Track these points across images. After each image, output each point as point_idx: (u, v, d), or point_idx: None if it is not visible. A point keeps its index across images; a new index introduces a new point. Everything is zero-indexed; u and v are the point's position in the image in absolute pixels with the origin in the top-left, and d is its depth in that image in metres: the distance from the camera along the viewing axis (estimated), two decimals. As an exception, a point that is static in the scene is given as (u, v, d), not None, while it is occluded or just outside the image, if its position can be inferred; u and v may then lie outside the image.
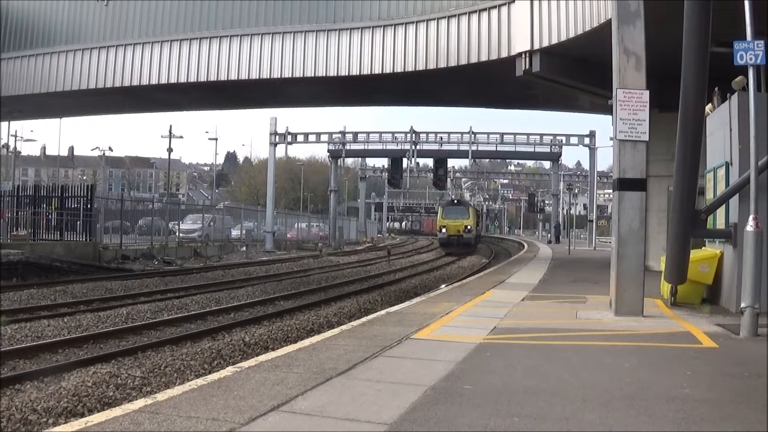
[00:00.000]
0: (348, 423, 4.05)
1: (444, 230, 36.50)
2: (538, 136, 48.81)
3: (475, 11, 22.72)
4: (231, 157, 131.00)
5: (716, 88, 10.48)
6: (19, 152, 57.80)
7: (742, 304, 7.37)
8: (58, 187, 27.19)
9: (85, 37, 28.75)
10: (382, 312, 9.65)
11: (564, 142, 47.90)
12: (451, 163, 60.29)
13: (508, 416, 4.19)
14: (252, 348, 9.06)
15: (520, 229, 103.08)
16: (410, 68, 24.02)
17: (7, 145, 51.93)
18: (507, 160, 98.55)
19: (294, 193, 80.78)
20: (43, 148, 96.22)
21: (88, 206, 23.22)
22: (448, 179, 61.07)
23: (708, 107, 10.38)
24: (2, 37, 29.73)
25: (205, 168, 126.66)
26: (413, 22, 23.97)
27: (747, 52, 7.63)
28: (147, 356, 8.65)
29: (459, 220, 36.49)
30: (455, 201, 41.67)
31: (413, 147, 44.49)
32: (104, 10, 28.51)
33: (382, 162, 59.20)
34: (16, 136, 52.55)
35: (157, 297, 14.73)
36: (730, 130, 9.51)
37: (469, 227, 36.38)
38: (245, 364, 5.79)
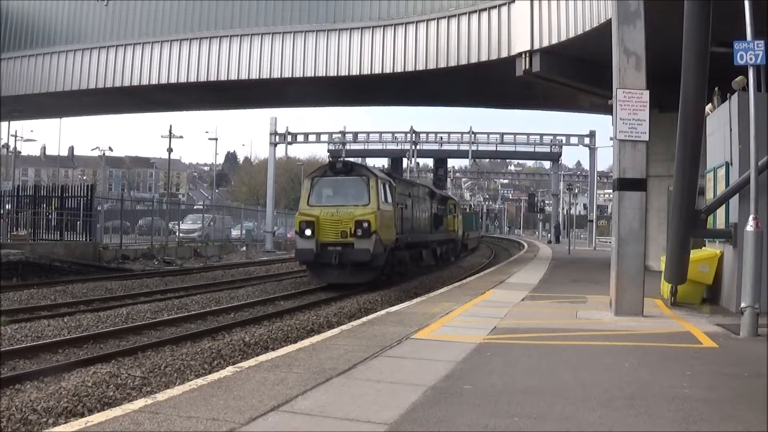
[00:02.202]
0: (348, 423, 4.05)
1: (308, 232, 16.23)
2: (538, 136, 49.09)
3: (475, 11, 22.73)
4: (231, 157, 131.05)
5: (716, 88, 10.49)
6: (19, 152, 57.78)
7: (742, 304, 7.37)
8: (58, 187, 27.22)
9: (85, 37, 28.76)
10: (382, 312, 9.65)
11: (564, 142, 48.07)
12: (451, 163, 60.61)
13: (508, 416, 4.19)
14: (252, 348, 9.05)
15: (520, 229, 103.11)
16: (410, 68, 24.03)
17: (7, 145, 51.95)
18: (507, 160, 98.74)
19: (294, 193, 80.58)
20: (43, 148, 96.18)
21: (88, 206, 23.24)
22: (448, 179, 61.07)
23: (708, 107, 10.38)
24: (2, 37, 29.74)
25: (205, 168, 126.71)
26: (413, 22, 23.98)
27: (747, 52, 7.64)
28: (147, 356, 8.64)
29: (346, 207, 16.42)
30: (339, 165, 17.98)
31: (413, 147, 44.61)
32: (104, 10, 28.52)
33: (382, 162, 59.28)
34: (16, 136, 52.57)
35: (157, 297, 14.73)
36: (730, 130, 9.51)
37: (366, 224, 15.90)
38: (245, 364, 5.79)
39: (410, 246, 19.77)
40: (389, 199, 17.46)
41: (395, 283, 17.67)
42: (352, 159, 24.51)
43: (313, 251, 16.16)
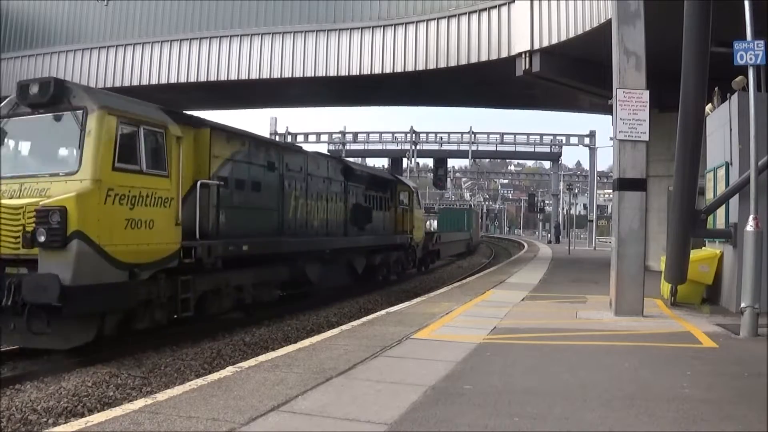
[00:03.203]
0: (348, 423, 4.05)
1: None
2: (538, 136, 49.06)
3: (475, 11, 22.72)
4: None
5: (716, 88, 10.50)
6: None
7: (742, 304, 7.38)
8: (58, 187, 27.14)
9: (85, 37, 28.76)
10: (382, 312, 9.65)
11: (564, 142, 48.08)
12: (451, 163, 60.53)
13: (509, 416, 4.19)
14: (252, 348, 9.06)
15: (520, 229, 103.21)
16: (410, 68, 24.01)
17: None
18: (507, 160, 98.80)
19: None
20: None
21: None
22: (448, 179, 61.02)
23: (708, 107, 10.39)
24: (2, 37, 29.75)
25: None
26: (413, 22, 23.97)
27: (747, 52, 7.65)
28: (147, 356, 8.64)
29: (36, 181, 7.71)
30: (35, 89, 7.96)
31: (413, 147, 44.60)
32: (104, 10, 28.52)
33: (382, 162, 59.28)
34: (16, 136, 52.51)
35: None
36: (730, 130, 9.52)
37: (57, 217, 7.11)
38: (245, 364, 5.79)
39: (258, 259, 11.13)
40: (158, 164, 8.77)
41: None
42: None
43: None
